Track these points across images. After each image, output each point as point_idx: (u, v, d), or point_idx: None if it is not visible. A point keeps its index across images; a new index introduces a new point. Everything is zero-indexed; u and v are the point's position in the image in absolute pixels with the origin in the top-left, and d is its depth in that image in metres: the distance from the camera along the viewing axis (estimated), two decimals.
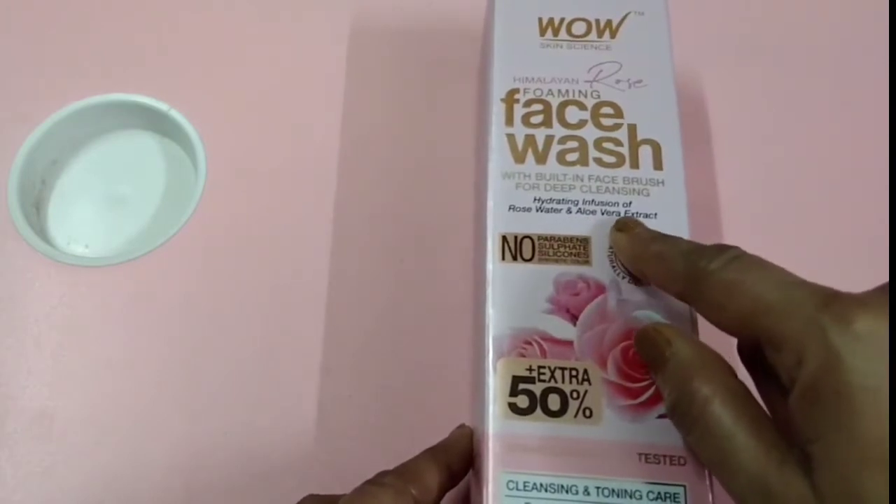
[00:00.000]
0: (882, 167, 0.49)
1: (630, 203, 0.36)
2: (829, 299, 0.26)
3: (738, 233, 0.47)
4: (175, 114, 0.50)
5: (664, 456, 0.31)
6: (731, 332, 0.29)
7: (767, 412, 0.28)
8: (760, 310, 0.27)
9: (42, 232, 0.48)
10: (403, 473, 0.34)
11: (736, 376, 0.29)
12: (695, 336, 0.32)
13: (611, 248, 0.35)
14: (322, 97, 0.52)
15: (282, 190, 0.49)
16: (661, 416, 0.32)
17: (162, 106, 0.51)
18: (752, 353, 0.30)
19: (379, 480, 0.33)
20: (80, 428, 0.42)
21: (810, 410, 0.25)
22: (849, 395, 0.24)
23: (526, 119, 0.39)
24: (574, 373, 0.33)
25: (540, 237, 0.36)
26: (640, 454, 0.31)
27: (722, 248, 0.30)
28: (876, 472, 0.23)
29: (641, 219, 0.36)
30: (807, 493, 0.24)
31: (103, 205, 0.50)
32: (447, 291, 0.46)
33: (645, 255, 0.33)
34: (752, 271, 0.28)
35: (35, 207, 0.49)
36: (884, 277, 0.45)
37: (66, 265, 0.46)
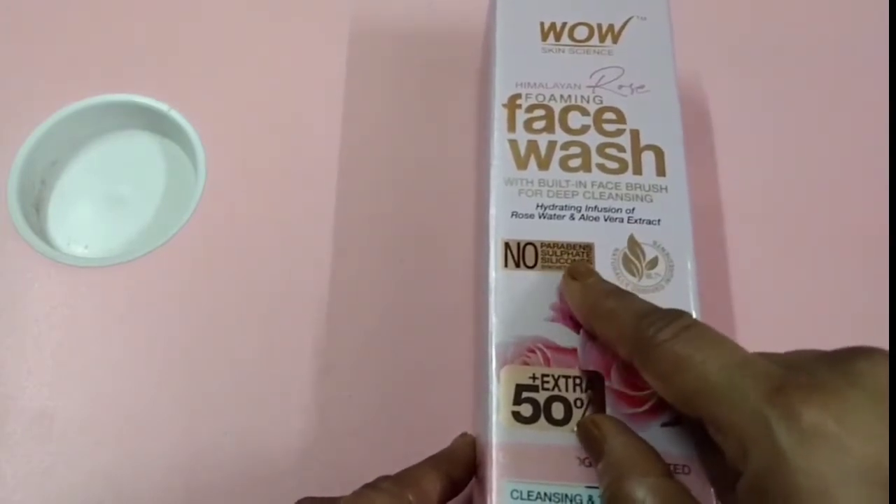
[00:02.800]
0: (883, 170, 0.50)
1: (633, 209, 0.36)
2: (775, 390, 0.25)
3: (740, 238, 0.47)
4: (175, 114, 0.50)
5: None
6: (677, 407, 0.29)
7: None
8: (705, 391, 0.27)
9: (42, 232, 0.48)
10: (402, 479, 0.34)
11: (670, 475, 0.29)
12: (630, 431, 0.31)
13: (614, 254, 0.35)
14: (322, 98, 0.52)
15: (282, 190, 0.49)
16: (664, 425, 0.32)
17: (162, 106, 0.50)
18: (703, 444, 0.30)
19: (377, 485, 0.33)
20: (80, 428, 0.43)
21: None
22: (797, 498, 0.23)
23: (528, 125, 0.39)
24: (578, 381, 0.33)
25: (543, 244, 0.36)
26: None
27: (673, 316, 0.29)
28: None
29: (644, 225, 0.36)
30: None
31: (103, 205, 0.50)
32: (447, 291, 0.46)
33: (597, 311, 0.32)
34: (701, 347, 0.28)
35: (35, 208, 0.49)
36: (884, 278, 0.45)
37: (65, 265, 0.46)
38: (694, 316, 0.30)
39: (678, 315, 0.29)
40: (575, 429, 0.32)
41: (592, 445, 0.31)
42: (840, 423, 0.24)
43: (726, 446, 0.26)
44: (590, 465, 0.31)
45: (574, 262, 0.35)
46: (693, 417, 0.28)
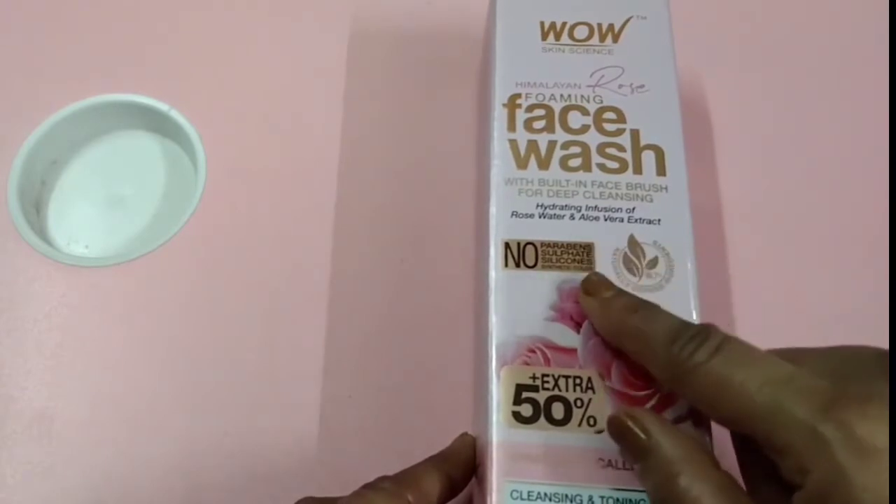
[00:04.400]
0: (883, 170, 0.50)
1: (633, 209, 0.36)
2: (827, 405, 0.25)
3: (741, 238, 0.47)
4: (175, 114, 0.50)
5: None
6: (725, 426, 0.28)
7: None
8: (752, 414, 0.26)
9: (42, 232, 0.48)
10: (402, 480, 0.34)
11: (720, 467, 0.28)
12: (672, 424, 0.30)
13: (614, 253, 0.35)
14: (322, 98, 0.52)
15: (282, 190, 0.49)
16: None
17: (162, 106, 0.50)
18: (746, 442, 0.30)
19: (377, 485, 0.33)
20: (80, 428, 0.43)
21: None
22: None
23: (528, 124, 0.39)
24: (578, 381, 0.33)
25: (543, 244, 0.36)
26: None
27: (704, 335, 0.29)
28: None
29: (644, 225, 0.36)
30: None
31: (103, 205, 0.50)
32: (448, 291, 0.46)
33: (624, 331, 0.32)
34: (739, 366, 0.27)
35: (35, 208, 0.49)
36: (884, 278, 0.45)
37: (66, 265, 0.46)
38: (721, 330, 0.29)
39: (708, 333, 0.29)
40: (580, 425, 0.32)
41: (632, 442, 0.29)
42: None
43: (783, 464, 0.26)
44: (589, 465, 0.31)
45: (586, 277, 0.34)
46: (745, 436, 0.28)
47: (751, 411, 0.26)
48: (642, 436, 0.29)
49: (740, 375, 0.27)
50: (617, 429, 0.30)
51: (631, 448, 0.29)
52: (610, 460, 0.32)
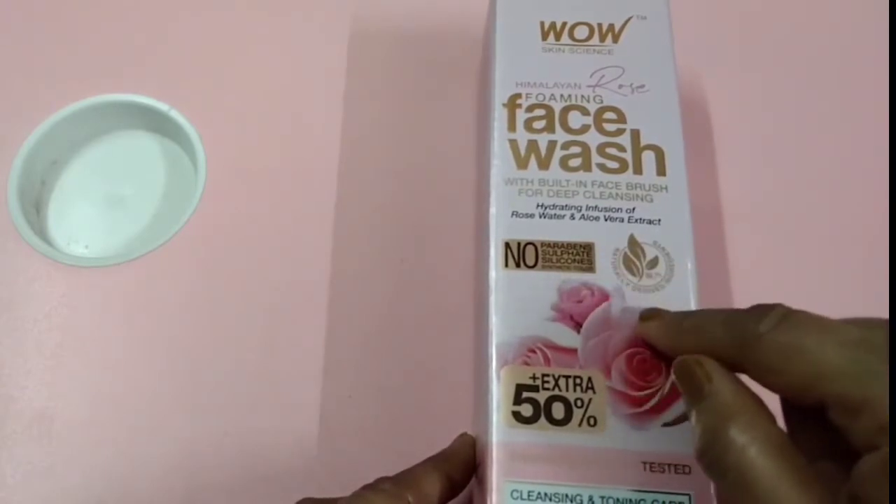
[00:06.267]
0: (883, 170, 0.50)
1: (633, 209, 0.36)
2: None
3: (741, 238, 0.47)
4: (175, 114, 0.50)
5: (669, 465, 0.31)
6: (791, 395, 0.28)
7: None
8: (826, 374, 0.26)
9: (42, 232, 0.48)
10: (402, 480, 0.34)
11: (776, 423, 0.28)
12: (736, 377, 0.30)
13: (614, 253, 0.35)
14: (322, 98, 0.52)
15: (282, 190, 0.49)
16: (665, 425, 0.32)
17: (162, 106, 0.50)
18: (804, 412, 0.29)
19: (377, 486, 0.33)
20: (80, 428, 0.43)
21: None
22: None
23: (528, 124, 0.39)
24: (578, 381, 0.33)
25: (543, 244, 0.36)
26: (644, 463, 0.31)
27: (766, 308, 0.29)
28: None
29: (644, 225, 0.36)
30: None
31: (103, 205, 0.50)
32: (448, 291, 0.46)
33: (682, 333, 0.32)
34: (807, 332, 0.27)
35: (35, 208, 0.49)
36: (884, 278, 0.45)
37: (66, 265, 0.46)
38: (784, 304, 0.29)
39: (772, 306, 0.29)
40: (580, 425, 0.32)
41: (693, 384, 0.29)
42: None
43: (857, 426, 0.26)
44: (589, 465, 0.31)
45: (641, 312, 0.34)
46: (811, 404, 0.27)
47: (825, 371, 0.26)
48: (705, 379, 0.29)
49: (812, 338, 0.27)
50: (683, 370, 0.30)
51: (692, 390, 0.29)
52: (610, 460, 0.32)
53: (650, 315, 0.34)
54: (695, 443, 0.28)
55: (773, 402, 0.28)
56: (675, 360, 0.30)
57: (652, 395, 0.32)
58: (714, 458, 0.27)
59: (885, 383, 0.25)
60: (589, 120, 0.38)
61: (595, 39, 0.41)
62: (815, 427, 0.28)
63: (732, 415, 0.27)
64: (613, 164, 0.37)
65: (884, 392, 0.25)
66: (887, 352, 0.25)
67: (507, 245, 0.36)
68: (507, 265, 0.35)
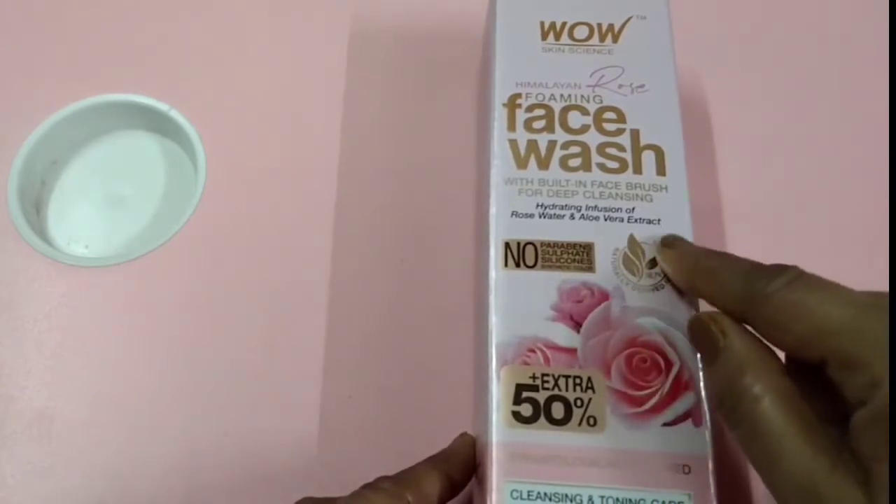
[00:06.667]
0: (883, 170, 0.50)
1: (633, 209, 0.36)
2: None
3: (741, 238, 0.47)
4: (175, 114, 0.50)
5: (669, 465, 0.31)
6: (794, 352, 0.29)
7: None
8: (828, 330, 0.27)
9: (42, 232, 0.48)
10: (402, 480, 0.34)
11: (786, 375, 0.29)
12: (750, 331, 0.31)
13: (614, 253, 0.35)
14: (322, 98, 0.52)
15: (282, 190, 0.49)
16: (665, 425, 0.32)
17: (162, 106, 0.50)
18: (805, 370, 0.30)
19: (376, 485, 0.33)
20: (80, 428, 0.43)
21: (880, 432, 0.25)
22: None
23: (528, 124, 0.39)
24: (578, 381, 0.33)
25: (543, 243, 0.35)
26: (644, 463, 0.31)
27: (781, 268, 0.29)
28: None
29: (644, 225, 0.36)
30: (863, 502, 0.25)
31: (103, 205, 0.50)
32: (447, 291, 0.46)
33: (699, 271, 0.33)
34: (816, 291, 0.28)
35: (35, 208, 0.49)
36: (884, 278, 0.45)
37: (66, 265, 0.46)
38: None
39: (786, 267, 0.30)
40: (580, 425, 0.32)
41: (708, 339, 0.30)
42: None
43: (853, 380, 0.26)
44: (589, 465, 0.31)
45: (665, 235, 0.35)
46: (812, 361, 0.28)
47: (828, 328, 0.27)
48: (720, 335, 0.30)
49: (817, 298, 0.28)
50: (697, 327, 0.31)
51: (707, 346, 0.31)
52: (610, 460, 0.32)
53: (671, 242, 0.35)
54: (713, 393, 0.30)
55: None
56: (690, 318, 0.32)
57: (652, 395, 0.32)
58: (729, 407, 0.28)
59: (882, 341, 0.26)
60: (589, 120, 0.38)
61: (595, 39, 0.41)
62: (819, 393, 0.29)
63: (747, 366, 0.28)
64: (613, 164, 0.37)
65: (879, 349, 0.26)
66: (888, 316, 0.26)
67: (507, 245, 0.36)
68: (506, 265, 0.35)
